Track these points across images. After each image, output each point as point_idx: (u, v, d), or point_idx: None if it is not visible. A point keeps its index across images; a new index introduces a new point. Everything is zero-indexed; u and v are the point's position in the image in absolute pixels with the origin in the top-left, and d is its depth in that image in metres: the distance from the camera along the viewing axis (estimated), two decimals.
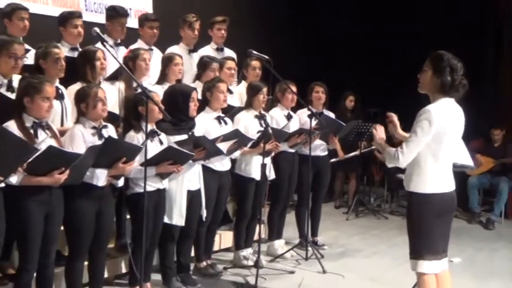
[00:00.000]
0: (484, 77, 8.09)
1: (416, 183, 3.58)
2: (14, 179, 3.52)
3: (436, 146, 3.52)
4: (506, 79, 8.30)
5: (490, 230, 7.47)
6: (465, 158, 4.18)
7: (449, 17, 8.74)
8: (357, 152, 7.65)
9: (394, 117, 3.87)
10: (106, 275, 4.49)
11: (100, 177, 3.96)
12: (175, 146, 4.30)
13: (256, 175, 5.28)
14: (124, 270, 4.85)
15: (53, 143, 3.68)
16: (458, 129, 3.64)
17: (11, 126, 3.56)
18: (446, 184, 3.62)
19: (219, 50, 6.23)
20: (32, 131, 3.65)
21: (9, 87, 3.98)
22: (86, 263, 4.18)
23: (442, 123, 3.48)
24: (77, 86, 4.29)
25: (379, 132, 3.83)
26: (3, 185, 3.45)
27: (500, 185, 7.79)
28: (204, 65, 5.56)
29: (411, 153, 3.52)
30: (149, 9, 7.11)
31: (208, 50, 6.11)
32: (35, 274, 3.81)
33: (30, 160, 3.44)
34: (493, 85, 8.31)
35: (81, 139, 3.91)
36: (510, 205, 8.14)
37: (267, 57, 5.51)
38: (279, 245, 5.91)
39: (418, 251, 3.59)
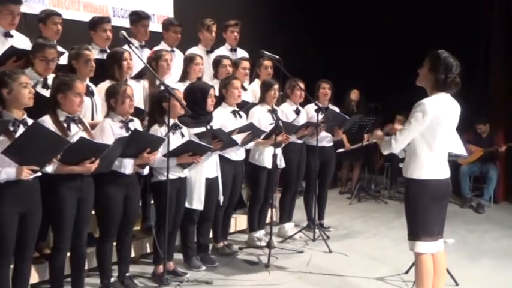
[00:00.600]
0: (476, 75, 8.04)
1: (413, 170, 3.59)
2: (49, 169, 3.56)
3: (431, 137, 3.52)
4: (494, 78, 8.23)
5: (481, 213, 7.46)
6: (459, 148, 4.16)
7: (446, 18, 8.65)
8: (360, 144, 7.67)
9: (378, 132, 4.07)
10: (133, 254, 4.55)
11: (127, 166, 3.99)
12: (195, 139, 4.34)
13: (268, 164, 5.30)
14: (149, 250, 4.88)
15: (84, 135, 3.71)
16: (452, 121, 3.63)
17: (46, 120, 3.59)
18: (441, 171, 3.61)
19: (233, 50, 6.22)
20: (65, 125, 3.68)
21: (45, 85, 4.03)
22: (114, 243, 4.23)
23: (436, 115, 3.48)
24: (106, 84, 4.31)
25: (377, 133, 4.01)
26: (39, 173, 3.49)
27: (490, 173, 7.76)
28: (216, 62, 5.59)
29: (404, 140, 3.55)
30: (170, 14, 7.11)
31: (223, 51, 6.10)
32: (68, 254, 3.87)
33: (63, 151, 3.49)
34: (484, 84, 8.22)
35: (110, 132, 3.95)
36: (498, 191, 8.12)
37: (277, 57, 5.51)
38: (289, 227, 5.93)
39: (415, 233, 3.60)
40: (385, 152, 3.71)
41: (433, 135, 3.52)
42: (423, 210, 3.57)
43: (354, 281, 4.68)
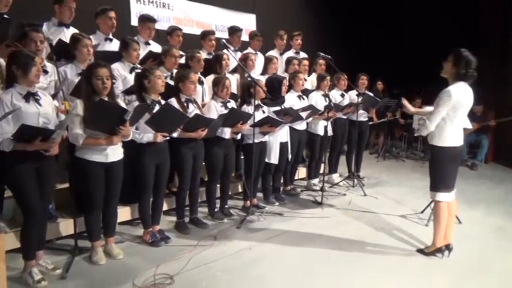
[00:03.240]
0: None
1: (437, 139, 3.23)
2: (175, 134, 3.51)
3: (453, 115, 3.15)
4: (487, 71, 7.51)
5: (474, 170, 6.90)
6: (467, 123, 3.72)
7: (444, 22, 7.95)
8: (385, 119, 7.25)
9: (404, 101, 3.68)
10: (229, 192, 4.43)
11: (226, 132, 3.90)
12: (272, 115, 4.15)
13: (321, 132, 5.07)
14: (240, 190, 4.79)
15: (198, 112, 3.62)
16: (469, 104, 3.22)
17: (173, 101, 3.53)
18: (457, 140, 3.24)
19: (297, 53, 5.92)
20: (185, 104, 3.61)
21: (171, 78, 3.94)
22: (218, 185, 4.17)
23: (458, 99, 3.10)
24: (211, 77, 4.20)
25: (407, 106, 3.61)
26: (168, 137, 3.44)
27: (482, 141, 7.19)
28: (288, 62, 5.33)
29: (436, 120, 3.18)
30: (254, 28, 6.89)
31: (290, 53, 5.83)
32: (187, 191, 3.84)
33: (184, 122, 3.42)
34: (479, 76, 7.47)
35: (215, 109, 3.85)
36: (488, 154, 7.46)
37: (329, 56, 5.29)
38: (335, 177, 5.68)
39: (436, 186, 3.28)
40: (424, 133, 3.27)
41: (454, 113, 3.14)
42: (443, 169, 3.23)
43: (382, 217, 4.38)
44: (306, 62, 5.49)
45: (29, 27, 3.11)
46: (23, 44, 3.04)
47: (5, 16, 3.27)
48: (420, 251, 3.48)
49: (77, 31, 3.65)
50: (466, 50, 3.10)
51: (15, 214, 3.29)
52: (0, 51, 2.96)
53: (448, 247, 3.36)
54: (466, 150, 7.27)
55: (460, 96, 3.10)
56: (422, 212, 4.45)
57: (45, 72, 3.23)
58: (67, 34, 3.65)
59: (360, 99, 5.30)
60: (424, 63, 7.60)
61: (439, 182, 3.24)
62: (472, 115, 7.38)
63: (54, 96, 3.03)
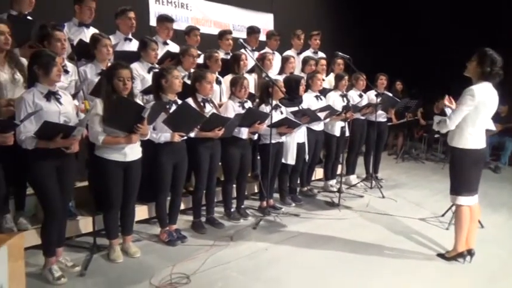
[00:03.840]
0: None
1: (457, 141, 3.14)
2: (192, 134, 3.51)
3: (475, 116, 3.05)
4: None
5: (498, 173, 6.70)
6: (490, 125, 3.60)
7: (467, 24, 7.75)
8: (405, 119, 7.14)
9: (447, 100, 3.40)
10: (246, 192, 4.43)
11: (243, 132, 3.88)
12: (290, 116, 4.12)
13: (337, 133, 5.00)
14: (256, 190, 4.78)
15: (214, 111, 3.62)
16: (493, 105, 3.12)
17: (190, 101, 3.53)
18: (479, 142, 3.14)
19: (315, 52, 5.87)
20: (202, 104, 3.61)
21: (189, 77, 3.95)
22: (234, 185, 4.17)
23: (482, 99, 3.00)
24: (229, 77, 4.20)
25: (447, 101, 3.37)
26: (185, 137, 3.45)
27: (506, 143, 7.03)
28: (304, 61, 5.26)
29: (457, 120, 3.08)
30: (271, 27, 6.87)
31: (308, 53, 5.78)
32: (204, 191, 3.84)
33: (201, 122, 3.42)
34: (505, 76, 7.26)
35: (232, 109, 3.84)
36: None
37: (347, 56, 5.21)
38: (353, 178, 5.59)
39: (456, 189, 3.19)
40: (443, 131, 3.19)
41: (476, 114, 3.04)
42: (464, 172, 3.14)
43: (401, 220, 4.29)
44: (323, 62, 5.42)
45: (51, 28, 3.17)
46: (45, 44, 3.11)
47: (28, 17, 3.34)
48: (441, 255, 3.40)
49: (97, 31, 3.70)
50: (491, 49, 3.00)
51: (36, 211, 3.36)
52: (23, 51, 3.02)
53: (470, 252, 3.27)
54: (489, 152, 7.10)
55: (483, 97, 3.01)
56: (443, 215, 4.34)
57: (66, 72, 3.29)
58: (87, 34, 3.71)
59: (378, 100, 5.22)
60: (444, 63, 7.47)
61: (460, 185, 3.15)
62: (495, 116, 7.17)
63: (74, 96, 3.08)
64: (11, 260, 1.52)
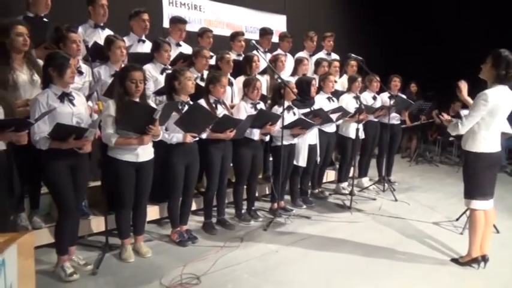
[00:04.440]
0: None
1: (471, 145, 3.07)
2: (204, 135, 3.52)
3: (490, 119, 2.98)
4: None
5: None
6: (507, 127, 3.52)
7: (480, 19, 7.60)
8: (419, 122, 7.04)
9: (462, 84, 3.24)
10: (256, 194, 4.41)
11: (255, 134, 3.88)
12: (303, 117, 4.09)
13: (352, 135, 4.97)
14: (267, 192, 4.77)
15: (226, 113, 3.62)
16: (508, 108, 3.04)
17: (202, 102, 3.54)
18: (494, 146, 3.07)
19: (328, 54, 5.84)
20: (214, 105, 3.62)
21: (202, 79, 3.97)
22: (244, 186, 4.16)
23: (496, 103, 2.93)
24: (241, 78, 4.21)
25: (463, 88, 3.23)
26: (197, 139, 3.46)
27: None
28: (317, 63, 5.24)
29: (469, 124, 3.03)
30: (283, 28, 6.86)
31: (321, 55, 5.75)
32: (215, 192, 3.85)
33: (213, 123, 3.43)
34: None
35: (244, 110, 3.84)
36: None
37: (361, 58, 5.18)
38: (365, 181, 5.55)
39: (470, 194, 3.12)
40: (454, 133, 3.14)
41: (491, 118, 2.98)
42: (477, 176, 3.07)
43: (414, 224, 4.22)
44: (336, 64, 5.40)
45: (66, 30, 3.22)
46: (61, 46, 3.16)
47: (44, 19, 3.40)
48: (455, 260, 3.33)
49: (111, 33, 3.75)
50: (506, 50, 2.94)
51: (50, 210, 3.41)
52: (39, 52, 3.08)
53: (484, 258, 3.20)
54: (505, 155, 6.94)
55: (498, 100, 2.94)
56: (457, 219, 4.27)
57: (80, 73, 3.34)
58: (102, 36, 3.75)
59: (392, 102, 5.16)
60: (460, 65, 7.32)
61: (474, 189, 3.08)
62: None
63: (88, 97, 3.12)
64: (21, 258, 1.55)
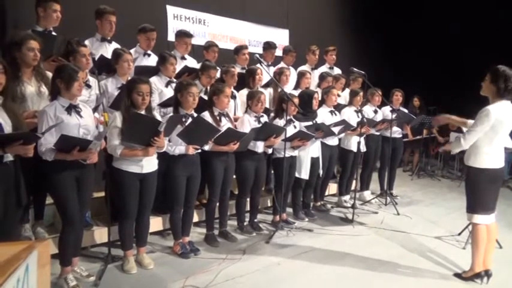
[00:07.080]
0: None
1: (474, 160, 3.09)
2: (206, 147, 3.55)
3: (493, 135, 3.00)
4: None
5: None
6: (509, 142, 3.54)
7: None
8: (421, 136, 7.06)
9: (434, 121, 3.56)
10: (259, 206, 4.41)
11: (259, 146, 3.91)
12: (304, 129, 4.12)
13: (354, 148, 4.99)
14: (269, 204, 4.78)
15: (230, 126, 3.65)
16: (511, 123, 3.06)
17: (206, 115, 3.58)
18: (497, 162, 3.09)
19: (331, 68, 5.90)
20: (218, 118, 3.64)
21: (205, 92, 4.01)
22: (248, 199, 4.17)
23: (498, 118, 2.96)
24: (244, 91, 4.26)
25: (441, 119, 3.49)
26: (200, 150, 3.49)
27: None
28: (322, 77, 5.32)
29: (471, 140, 3.05)
30: (286, 42, 6.94)
31: (324, 68, 5.82)
32: (217, 204, 3.86)
33: (216, 136, 3.46)
34: None
35: (248, 123, 3.88)
36: None
37: (363, 72, 5.13)
38: (367, 194, 5.56)
39: (473, 208, 3.13)
40: (456, 150, 3.15)
41: (494, 134, 3.00)
42: (480, 191, 3.08)
43: (417, 238, 4.22)
44: (343, 81, 5.46)
45: (76, 44, 3.28)
46: (71, 59, 3.21)
47: (53, 33, 3.47)
48: (457, 275, 3.32)
49: (118, 46, 3.81)
50: (503, 66, 2.98)
51: (54, 221, 3.42)
52: (47, 66, 3.13)
53: (487, 273, 3.19)
54: (507, 170, 6.94)
55: (500, 115, 2.96)
56: (459, 234, 4.26)
57: (88, 86, 3.39)
58: (109, 49, 3.82)
59: (393, 116, 5.20)
60: (464, 80, 7.38)
61: (476, 203, 3.09)
62: None
63: (95, 109, 3.16)
64: (40, 266, 1.56)
